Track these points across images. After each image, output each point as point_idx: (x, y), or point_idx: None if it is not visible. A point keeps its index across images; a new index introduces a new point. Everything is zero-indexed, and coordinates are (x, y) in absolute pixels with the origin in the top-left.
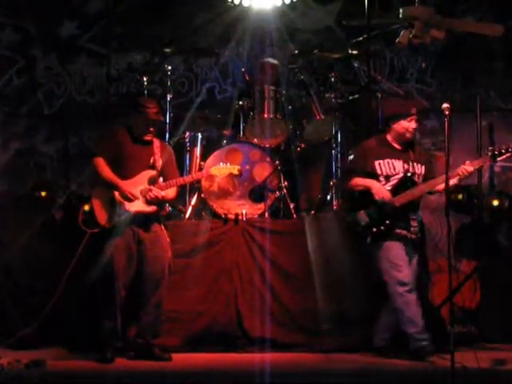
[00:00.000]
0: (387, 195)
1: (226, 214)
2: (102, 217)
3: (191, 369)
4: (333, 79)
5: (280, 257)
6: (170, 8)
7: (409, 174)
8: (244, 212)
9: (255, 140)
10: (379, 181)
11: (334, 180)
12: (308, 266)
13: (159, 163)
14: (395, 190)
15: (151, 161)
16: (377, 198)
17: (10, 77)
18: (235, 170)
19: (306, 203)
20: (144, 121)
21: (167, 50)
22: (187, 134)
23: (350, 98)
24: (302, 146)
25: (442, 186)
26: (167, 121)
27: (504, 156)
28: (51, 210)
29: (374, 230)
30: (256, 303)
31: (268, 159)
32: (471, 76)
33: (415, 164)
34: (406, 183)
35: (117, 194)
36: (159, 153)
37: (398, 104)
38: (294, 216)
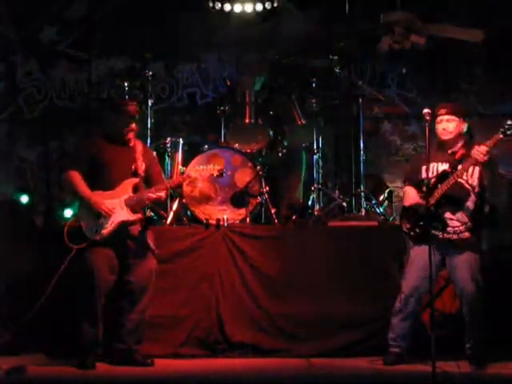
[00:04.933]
0: (414, 198)
1: (207, 220)
2: (88, 230)
3: (173, 374)
4: (314, 84)
5: (261, 262)
6: (151, 13)
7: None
8: (225, 217)
9: (237, 145)
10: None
11: (316, 185)
12: (289, 271)
13: (142, 169)
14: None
15: (133, 167)
16: (405, 203)
17: None
18: (215, 170)
19: (287, 208)
20: (124, 118)
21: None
22: (168, 139)
23: (331, 103)
24: (284, 151)
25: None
26: (148, 126)
27: None
28: (32, 217)
29: (412, 234)
30: (237, 308)
31: (249, 164)
32: (452, 81)
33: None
34: (440, 180)
35: None
36: (141, 157)
37: None
38: (276, 221)
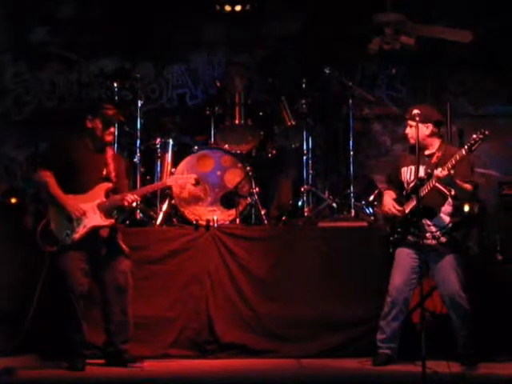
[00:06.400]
0: (391, 206)
1: (197, 220)
2: (60, 233)
3: (162, 375)
4: (303, 85)
5: (251, 263)
6: (141, 14)
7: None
8: (215, 218)
9: (226, 146)
10: (404, 188)
11: (305, 186)
12: (279, 272)
13: (113, 174)
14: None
15: (104, 172)
16: (383, 210)
17: None
18: (192, 179)
19: (277, 209)
20: (103, 121)
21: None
22: (158, 140)
23: (321, 103)
24: (273, 151)
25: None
26: (138, 127)
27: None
28: (21, 217)
29: (391, 238)
30: (227, 309)
31: (239, 165)
32: (442, 82)
33: (438, 168)
34: (416, 189)
35: None
36: (112, 163)
37: None
38: (265, 222)
